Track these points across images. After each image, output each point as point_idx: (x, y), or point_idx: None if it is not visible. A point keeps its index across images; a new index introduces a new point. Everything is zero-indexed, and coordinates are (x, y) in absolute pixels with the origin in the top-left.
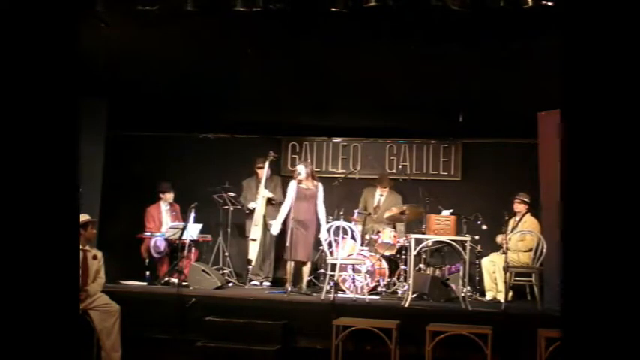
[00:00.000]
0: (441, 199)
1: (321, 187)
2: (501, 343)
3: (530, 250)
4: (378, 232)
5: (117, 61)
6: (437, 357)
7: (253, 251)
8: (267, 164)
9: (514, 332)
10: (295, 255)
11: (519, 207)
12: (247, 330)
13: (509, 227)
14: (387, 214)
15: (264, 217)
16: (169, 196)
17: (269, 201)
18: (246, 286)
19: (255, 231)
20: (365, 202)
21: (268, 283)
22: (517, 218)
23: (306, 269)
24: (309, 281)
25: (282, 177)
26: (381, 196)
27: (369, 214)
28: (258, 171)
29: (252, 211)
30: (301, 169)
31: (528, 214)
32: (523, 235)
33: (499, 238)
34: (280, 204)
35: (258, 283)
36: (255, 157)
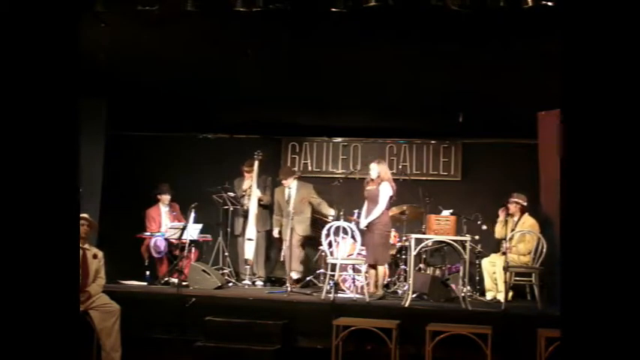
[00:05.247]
0: (441, 199)
1: (383, 185)
2: (501, 343)
3: (530, 252)
4: None
5: (117, 61)
6: (437, 357)
7: (250, 251)
8: (256, 164)
9: (514, 332)
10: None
11: (512, 208)
12: (247, 330)
13: (509, 228)
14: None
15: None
16: (166, 198)
17: (259, 201)
18: (246, 287)
19: (251, 231)
20: (278, 203)
21: (261, 283)
22: (515, 219)
23: (375, 273)
24: (385, 285)
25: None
26: (290, 189)
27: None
28: (245, 174)
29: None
30: (373, 168)
31: (526, 214)
32: (522, 236)
33: (497, 232)
34: (270, 205)
35: (260, 283)
36: (246, 157)
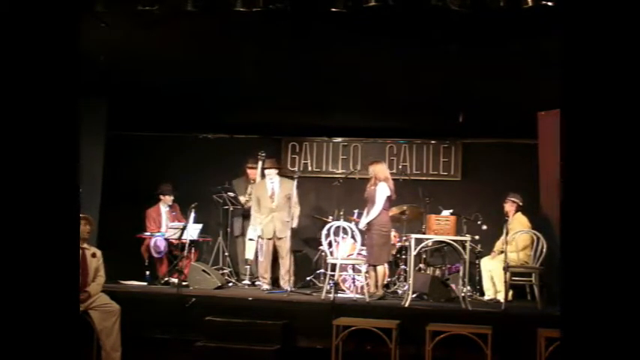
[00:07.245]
0: (441, 199)
1: (380, 186)
2: (501, 343)
3: (526, 247)
4: None
5: (117, 61)
6: (437, 357)
7: (251, 251)
8: (259, 164)
9: (514, 332)
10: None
11: (508, 207)
12: (247, 330)
13: (504, 229)
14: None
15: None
16: (169, 199)
17: None
18: (246, 287)
19: (252, 231)
20: (257, 198)
21: (261, 283)
22: (508, 219)
23: (375, 274)
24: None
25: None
26: (272, 182)
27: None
28: (249, 171)
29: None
30: (369, 170)
31: (519, 213)
32: (512, 236)
33: (497, 246)
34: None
35: (260, 283)
36: (247, 156)
